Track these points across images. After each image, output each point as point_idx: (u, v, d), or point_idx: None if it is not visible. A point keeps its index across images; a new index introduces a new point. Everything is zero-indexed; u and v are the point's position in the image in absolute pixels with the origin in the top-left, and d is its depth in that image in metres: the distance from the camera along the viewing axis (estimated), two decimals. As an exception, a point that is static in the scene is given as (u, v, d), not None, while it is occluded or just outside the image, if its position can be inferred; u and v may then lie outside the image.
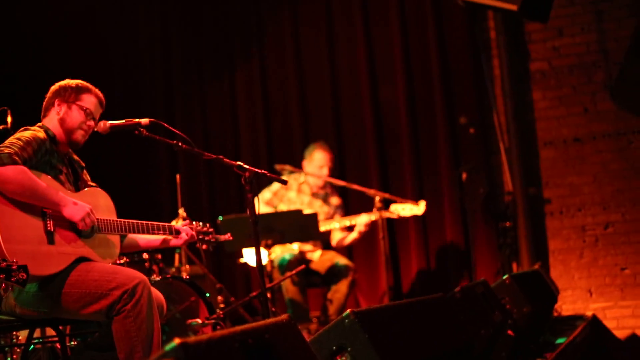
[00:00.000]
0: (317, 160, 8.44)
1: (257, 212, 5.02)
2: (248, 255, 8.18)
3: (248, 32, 10.27)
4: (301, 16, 10.10)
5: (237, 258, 8.56)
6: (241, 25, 10.31)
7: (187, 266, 7.53)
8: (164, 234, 5.20)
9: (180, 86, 10.53)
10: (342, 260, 8.15)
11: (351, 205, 9.51)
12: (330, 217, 8.43)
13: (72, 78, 5.15)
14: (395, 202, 8.23)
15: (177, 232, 5.26)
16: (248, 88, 10.23)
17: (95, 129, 5.09)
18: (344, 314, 3.65)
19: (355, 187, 8.02)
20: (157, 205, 10.23)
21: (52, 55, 10.51)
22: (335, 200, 8.60)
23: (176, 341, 2.53)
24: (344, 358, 3.65)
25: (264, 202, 8.35)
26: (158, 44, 10.62)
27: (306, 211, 7.95)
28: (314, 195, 8.51)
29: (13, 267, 3.91)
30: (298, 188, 8.49)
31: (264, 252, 8.02)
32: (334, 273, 8.10)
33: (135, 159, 10.48)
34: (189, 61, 10.53)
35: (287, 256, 7.86)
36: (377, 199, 7.59)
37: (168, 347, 2.53)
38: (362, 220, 8.11)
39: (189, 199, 9.13)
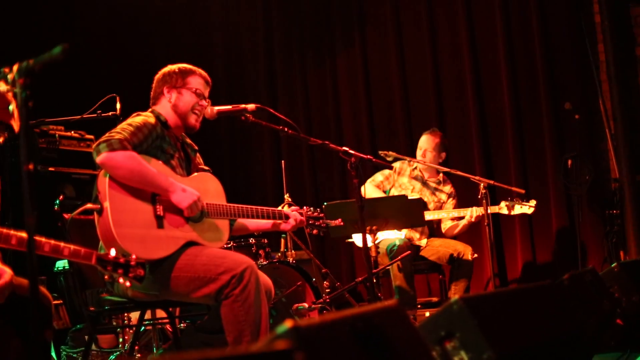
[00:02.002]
0: (419, 144, 8.37)
1: (363, 197, 5.00)
2: (357, 238, 8.18)
3: (349, 17, 10.26)
4: (402, 1, 10.05)
5: (345, 238, 8.56)
6: (342, 11, 10.31)
7: (293, 251, 7.57)
8: (273, 218, 5.24)
9: (282, 72, 10.60)
10: (466, 253, 7.99)
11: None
12: (440, 207, 8.34)
13: (167, 66, 5.24)
14: (503, 190, 8.09)
15: (286, 217, 5.30)
16: (350, 74, 10.24)
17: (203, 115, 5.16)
18: (453, 300, 3.65)
19: (460, 173, 7.93)
20: (261, 191, 10.32)
21: (157, 42, 10.69)
22: (447, 188, 8.46)
23: (288, 324, 2.56)
24: (452, 344, 3.64)
25: (374, 185, 8.29)
26: (260, 30, 10.69)
27: (411, 197, 7.91)
28: (425, 183, 8.42)
29: (132, 263, 4.00)
30: (410, 174, 8.42)
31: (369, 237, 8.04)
32: (458, 266, 7.98)
33: (238, 143, 10.59)
34: (291, 47, 10.58)
35: (398, 242, 7.80)
36: (482, 185, 7.49)
37: (280, 329, 2.56)
38: (473, 213, 7.97)
39: (292, 184, 9.17)
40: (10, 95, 3.82)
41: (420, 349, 3.40)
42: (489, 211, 7.55)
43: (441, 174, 8.40)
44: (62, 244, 3.83)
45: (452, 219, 8.22)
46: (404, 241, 7.82)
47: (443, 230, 8.32)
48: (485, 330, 3.60)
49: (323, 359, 2.62)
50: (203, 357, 1.99)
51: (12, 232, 3.75)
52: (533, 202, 7.93)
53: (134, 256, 4.05)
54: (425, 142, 8.36)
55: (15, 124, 3.90)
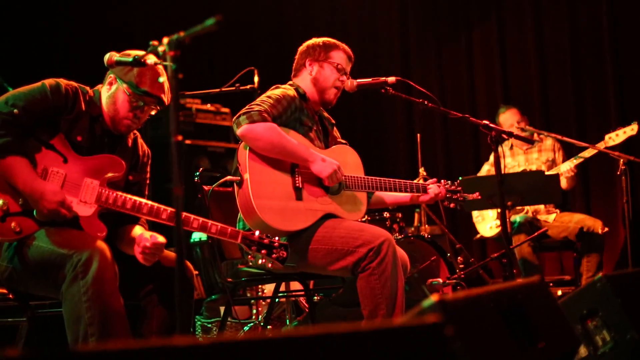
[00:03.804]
0: (506, 122, 8.25)
1: (502, 171, 4.94)
2: (483, 228, 8.12)
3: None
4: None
5: (473, 235, 8.50)
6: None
7: (427, 226, 7.54)
8: (411, 191, 5.21)
9: (416, 46, 10.55)
10: (596, 227, 7.81)
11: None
12: (553, 161, 8.21)
13: (312, 39, 5.25)
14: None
15: (424, 190, 5.27)
16: (485, 48, 10.11)
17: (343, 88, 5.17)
18: (596, 277, 3.59)
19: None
20: (393, 164, 10.28)
21: (291, 17, 10.75)
22: (549, 142, 8.36)
23: (434, 298, 2.56)
24: (594, 322, 3.58)
25: (484, 172, 8.27)
26: (395, 4, 10.65)
27: (548, 172, 7.77)
28: (527, 151, 8.32)
29: (275, 244, 4.08)
30: (511, 154, 8.32)
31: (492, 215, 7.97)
32: (589, 241, 7.82)
33: (371, 117, 10.59)
34: (426, 22, 10.51)
35: (519, 218, 7.72)
36: (622, 161, 7.26)
37: (426, 303, 2.56)
38: (565, 167, 7.83)
39: (425, 158, 9.12)
40: (159, 67, 3.89)
41: (563, 327, 3.36)
42: (629, 185, 7.33)
43: (533, 134, 8.25)
44: (210, 222, 3.95)
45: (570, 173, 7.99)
46: (525, 217, 7.73)
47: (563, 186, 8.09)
48: (629, 309, 3.52)
49: (468, 332, 2.62)
50: (354, 330, 1.99)
51: (162, 207, 3.85)
52: (634, 123, 7.67)
53: (277, 238, 4.10)
54: (512, 118, 8.28)
55: (165, 97, 3.98)
